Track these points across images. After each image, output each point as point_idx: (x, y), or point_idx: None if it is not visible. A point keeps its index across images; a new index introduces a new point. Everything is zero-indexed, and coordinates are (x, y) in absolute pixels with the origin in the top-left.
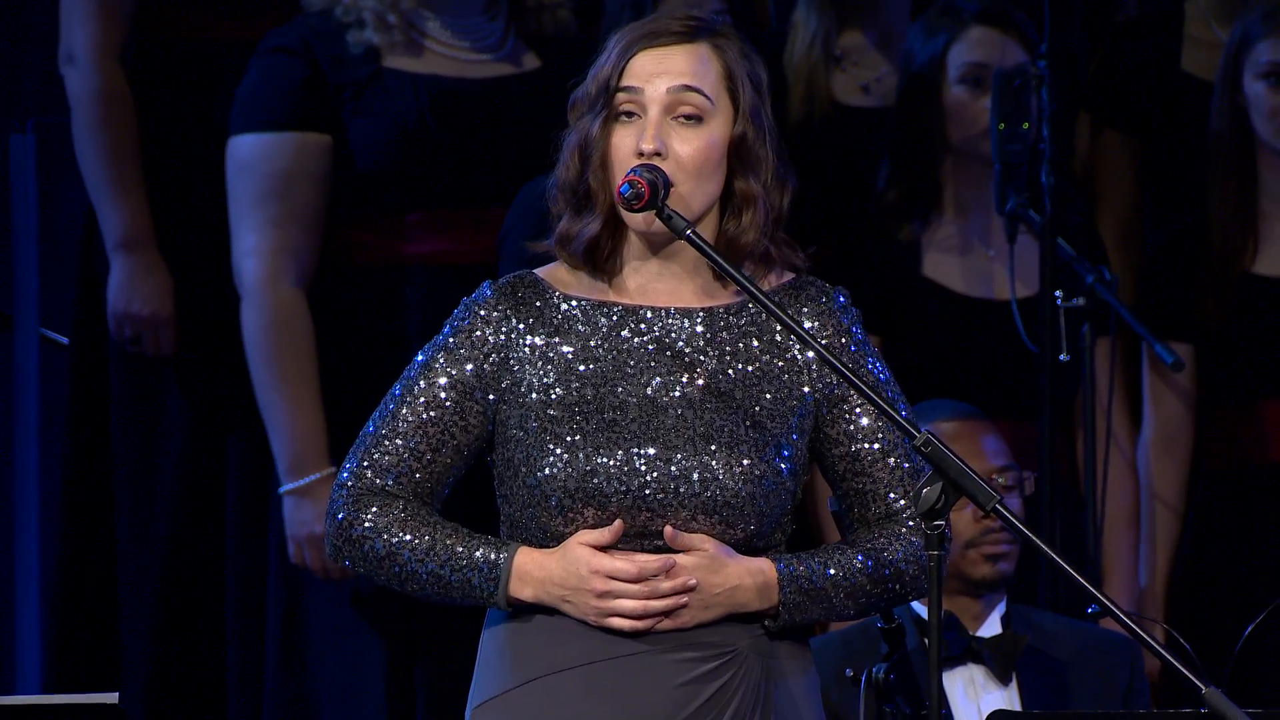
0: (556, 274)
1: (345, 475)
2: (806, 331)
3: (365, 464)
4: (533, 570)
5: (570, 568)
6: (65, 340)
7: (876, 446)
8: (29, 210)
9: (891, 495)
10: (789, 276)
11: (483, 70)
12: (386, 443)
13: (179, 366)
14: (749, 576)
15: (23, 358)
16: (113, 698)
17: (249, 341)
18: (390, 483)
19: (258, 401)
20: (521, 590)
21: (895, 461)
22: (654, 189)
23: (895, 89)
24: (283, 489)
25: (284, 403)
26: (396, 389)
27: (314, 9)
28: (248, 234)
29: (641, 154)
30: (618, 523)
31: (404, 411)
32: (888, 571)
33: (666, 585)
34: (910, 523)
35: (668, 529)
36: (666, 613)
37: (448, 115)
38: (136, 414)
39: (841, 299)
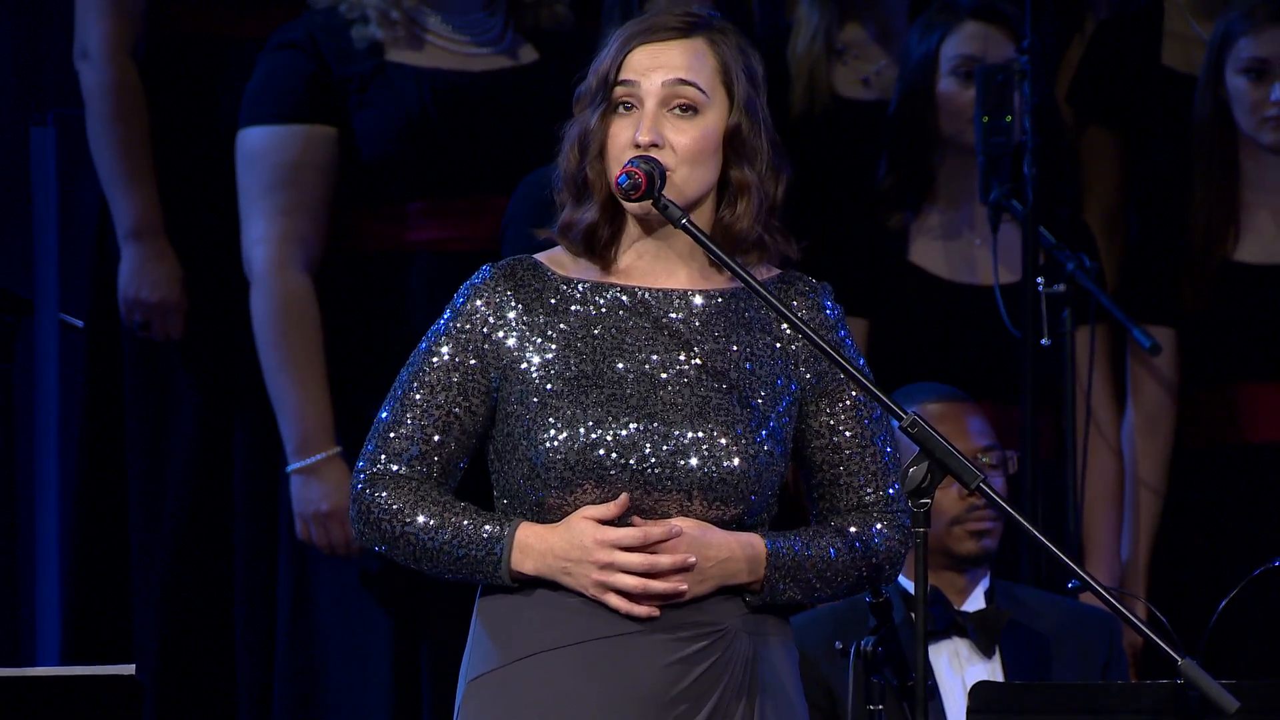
0: (556, 258)
1: (362, 462)
2: (802, 323)
3: (379, 450)
4: (534, 543)
5: (573, 539)
6: (80, 324)
7: (856, 440)
8: (49, 200)
9: (866, 489)
10: (776, 271)
11: (482, 64)
12: (397, 428)
13: (188, 350)
14: (740, 548)
15: (43, 342)
16: (129, 669)
17: (258, 326)
18: (403, 467)
19: (266, 384)
20: (523, 563)
21: (872, 456)
22: (650, 179)
23: (894, 82)
24: (290, 468)
25: (292, 385)
26: (404, 375)
27: (320, 5)
28: (257, 223)
29: (638, 145)
30: (623, 496)
31: (413, 397)
32: (861, 558)
33: (666, 561)
34: (878, 512)
35: (635, 520)
36: (664, 596)
37: (449, 107)
38: (148, 395)
39: (828, 295)
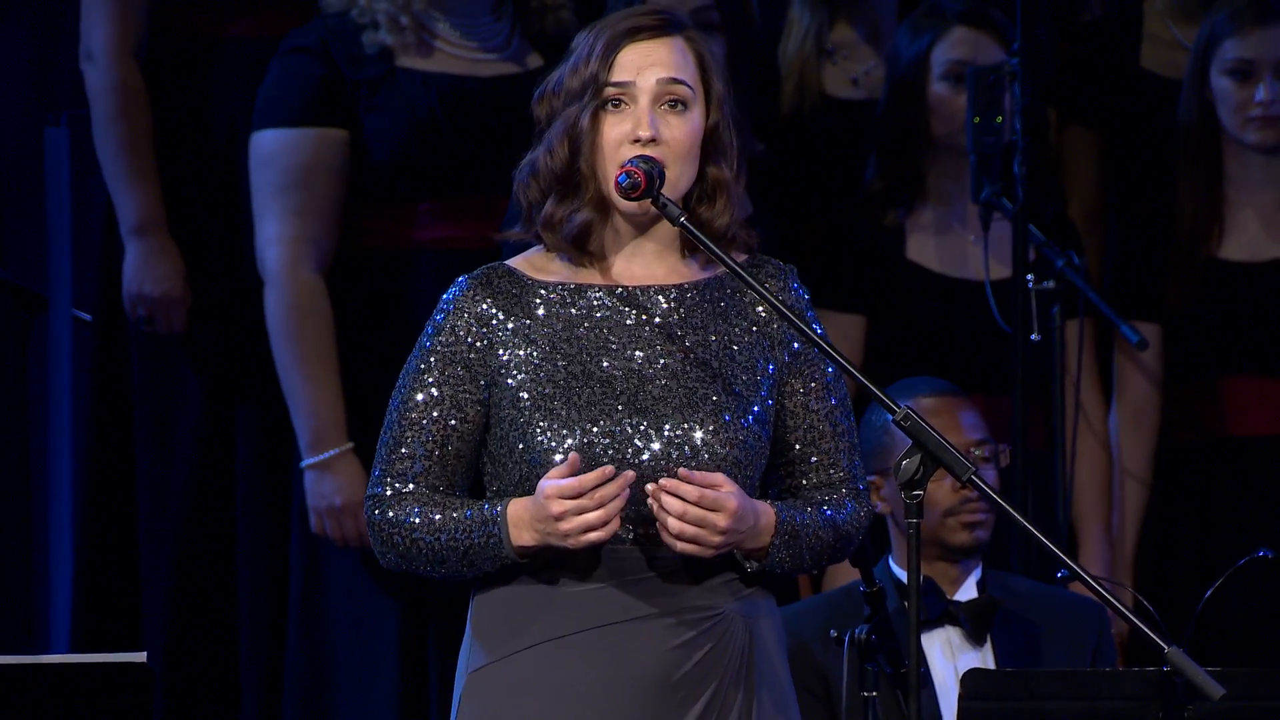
0: (531, 261)
1: (370, 488)
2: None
3: (384, 474)
4: (522, 514)
5: (537, 501)
6: (89, 318)
7: (827, 420)
8: (62, 198)
9: (834, 468)
10: (744, 256)
11: (489, 69)
12: (398, 450)
13: (192, 343)
14: (754, 517)
15: (57, 337)
16: (140, 657)
17: (272, 324)
18: (409, 485)
19: (280, 381)
20: (521, 536)
21: (840, 434)
22: (650, 179)
23: (883, 83)
24: (304, 463)
25: (305, 382)
26: (396, 398)
27: (331, 11)
28: (270, 223)
29: (638, 140)
30: (573, 455)
31: (409, 417)
32: (839, 532)
33: (611, 489)
34: (845, 489)
35: (681, 473)
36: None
37: (457, 110)
38: (154, 388)
39: (794, 277)
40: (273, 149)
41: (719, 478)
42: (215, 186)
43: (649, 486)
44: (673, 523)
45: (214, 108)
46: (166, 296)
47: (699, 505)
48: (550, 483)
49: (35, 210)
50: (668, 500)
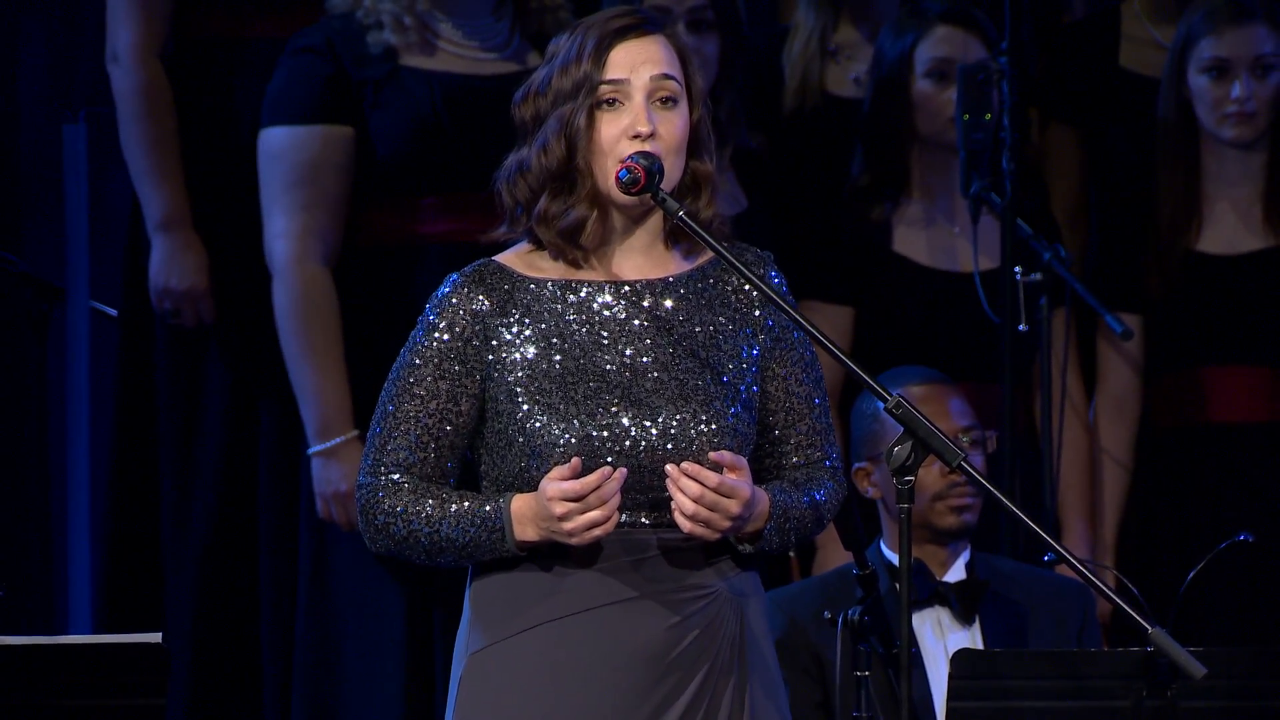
0: (521, 257)
1: (362, 478)
2: (755, 295)
3: (377, 463)
4: (525, 511)
5: (540, 501)
6: (114, 312)
7: (806, 403)
8: (80, 193)
9: (813, 448)
10: (724, 244)
11: (490, 68)
12: (392, 440)
13: (216, 336)
14: (756, 503)
15: (74, 327)
16: (156, 637)
17: (280, 316)
18: (403, 476)
19: (288, 371)
20: (525, 532)
21: (817, 416)
22: (649, 174)
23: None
24: (311, 450)
25: (312, 372)
26: (390, 389)
27: (337, 12)
28: (278, 218)
29: (638, 135)
30: (575, 459)
31: (404, 410)
32: (820, 512)
33: (611, 485)
34: (823, 470)
35: (711, 455)
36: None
37: (459, 108)
38: (179, 379)
39: (772, 264)
40: (281, 145)
41: (742, 461)
42: (238, 183)
43: (669, 468)
44: (689, 506)
45: (237, 106)
46: (192, 290)
47: (717, 491)
48: (553, 484)
49: (54, 205)
50: (687, 484)
